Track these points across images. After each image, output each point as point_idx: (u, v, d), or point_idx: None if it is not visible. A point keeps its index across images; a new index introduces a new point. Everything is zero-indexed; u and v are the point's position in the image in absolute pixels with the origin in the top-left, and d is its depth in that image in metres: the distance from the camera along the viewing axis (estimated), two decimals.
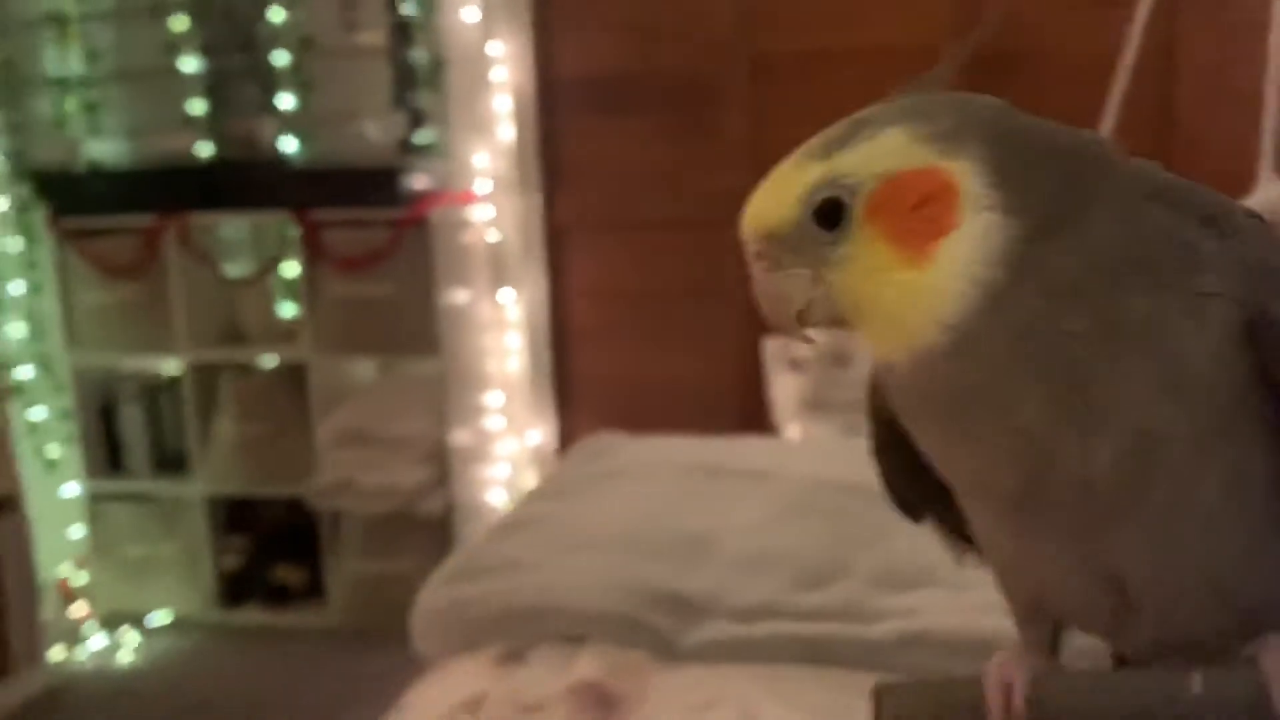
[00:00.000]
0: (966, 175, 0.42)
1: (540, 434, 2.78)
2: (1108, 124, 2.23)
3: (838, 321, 0.44)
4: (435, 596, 1.12)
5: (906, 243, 0.42)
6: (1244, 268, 0.41)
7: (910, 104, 0.45)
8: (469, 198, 2.60)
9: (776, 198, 0.44)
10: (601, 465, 1.50)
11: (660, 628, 1.06)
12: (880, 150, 0.43)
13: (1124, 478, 0.42)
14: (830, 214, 0.43)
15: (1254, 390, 0.42)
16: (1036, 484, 0.43)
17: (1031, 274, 0.41)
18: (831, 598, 1.08)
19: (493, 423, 2.68)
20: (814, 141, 0.45)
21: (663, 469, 1.43)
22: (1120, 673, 0.47)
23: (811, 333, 0.46)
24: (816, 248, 0.43)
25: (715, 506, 1.27)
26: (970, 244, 0.41)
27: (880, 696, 0.45)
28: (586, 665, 1.01)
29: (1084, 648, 0.51)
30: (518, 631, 1.06)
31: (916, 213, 0.42)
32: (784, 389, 2.47)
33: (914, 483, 0.50)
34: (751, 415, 2.68)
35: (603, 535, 1.21)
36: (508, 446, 2.72)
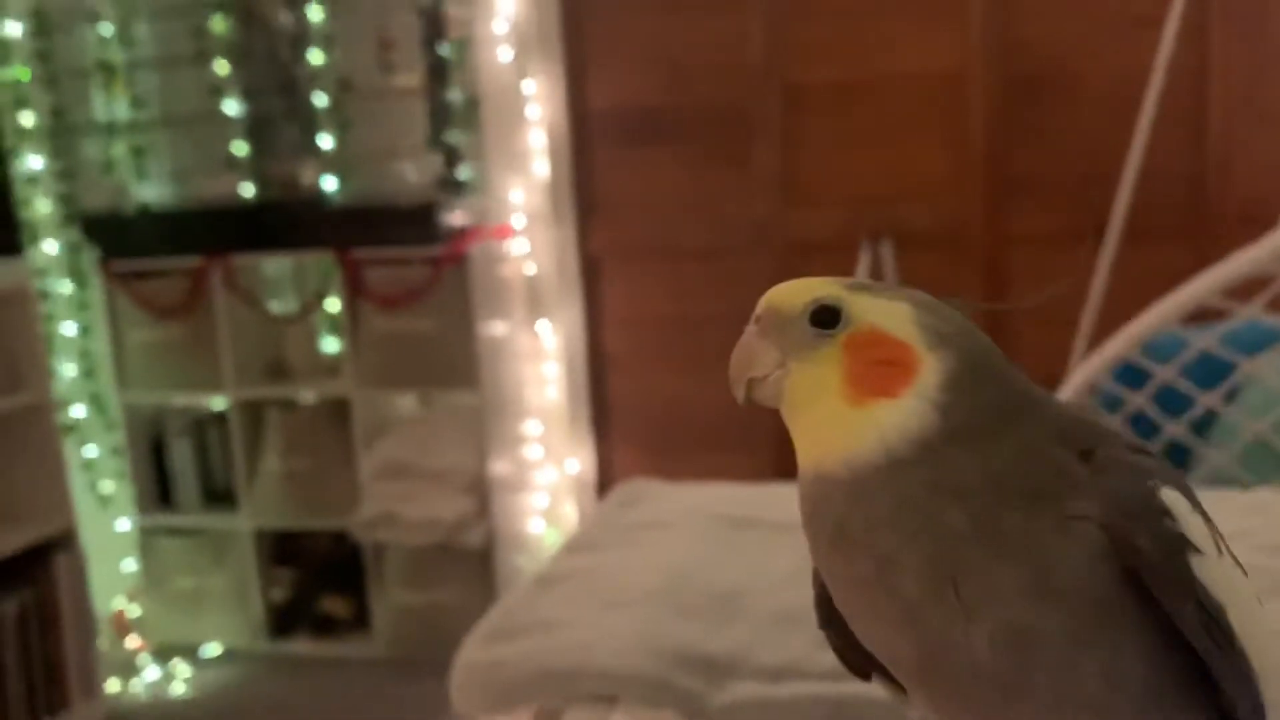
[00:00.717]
0: (929, 369, 0.49)
1: (579, 462, 2.82)
2: (1139, 145, 2.23)
3: (774, 402, 0.52)
4: (473, 655, 1.16)
5: (855, 383, 0.49)
6: (1112, 498, 0.47)
7: (928, 299, 0.53)
8: (506, 232, 2.65)
9: (796, 289, 0.52)
10: (635, 515, 1.53)
11: (689, 689, 1.09)
12: (885, 310, 0.51)
13: (1005, 665, 0.46)
14: (824, 319, 0.51)
15: (1124, 598, 0.47)
16: (932, 660, 0.47)
17: (931, 464, 0.47)
18: None
19: (532, 452, 2.72)
20: (846, 279, 0.54)
21: (693, 520, 1.45)
22: None
23: (744, 398, 0.53)
24: (797, 337, 0.51)
25: (747, 559, 1.30)
26: (899, 417, 0.48)
27: None
28: None
29: None
30: (552, 691, 1.09)
31: (877, 367, 0.49)
32: None
33: (859, 650, 0.54)
34: (786, 443, 2.69)
35: (635, 592, 1.24)
36: (547, 475, 2.76)
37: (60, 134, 2.73)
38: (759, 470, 2.59)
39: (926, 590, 0.46)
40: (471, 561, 2.66)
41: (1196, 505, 0.49)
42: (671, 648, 1.12)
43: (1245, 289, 1.78)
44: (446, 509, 2.61)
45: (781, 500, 1.63)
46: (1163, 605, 0.46)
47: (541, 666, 1.12)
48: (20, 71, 2.65)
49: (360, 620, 2.78)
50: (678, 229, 2.74)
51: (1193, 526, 0.48)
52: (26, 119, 2.66)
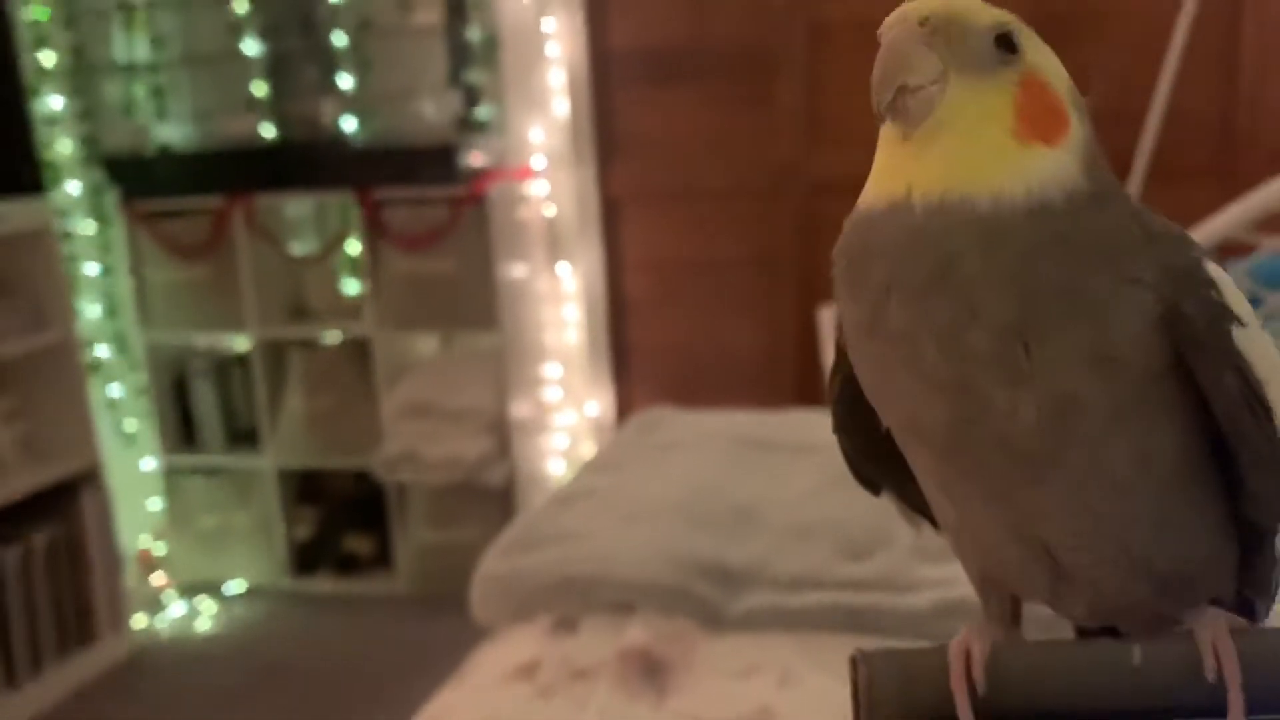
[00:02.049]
0: (1077, 129, 0.48)
1: (598, 405, 2.83)
2: (1166, 83, 2.19)
3: (918, 118, 0.47)
4: (493, 566, 1.16)
5: (1024, 120, 0.47)
6: (1164, 267, 0.46)
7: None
8: (525, 173, 2.64)
9: (979, 3, 0.49)
10: (654, 438, 1.53)
11: (706, 597, 1.09)
12: (1049, 56, 0.49)
13: (1043, 437, 0.46)
14: (1003, 46, 0.48)
15: (1166, 376, 0.46)
16: (963, 429, 0.46)
17: (1065, 218, 0.46)
18: (872, 568, 1.10)
19: (551, 394, 2.72)
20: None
21: (713, 442, 1.45)
22: (1069, 644, 0.50)
23: (886, 106, 0.48)
24: (974, 53, 0.47)
25: (763, 479, 1.30)
26: (1057, 166, 0.46)
27: (855, 663, 0.49)
28: (635, 633, 1.04)
29: (1049, 619, 0.54)
30: (571, 600, 1.10)
31: (1046, 111, 0.48)
32: None
33: (873, 459, 0.53)
34: (807, 385, 2.69)
35: (654, 507, 1.24)
36: (566, 418, 2.76)
37: (81, 74, 2.73)
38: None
39: (996, 347, 0.45)
40: (492, 501, 2.67)
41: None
42: (689, 558, 1.13)
43: (1273, 223, 1.75)
44: (467, 448, 2.63)
45: (799, 424, 1.63)
46: (1199, 376, 0.46)
47: (560, 575, 1.12)
48: (40, 11, 2.65)
49: (382, 558, 2.81)
50: (699, 170, 2.72)
51: (1235, 299, 0.47)
52: (47, 59, 2.66)
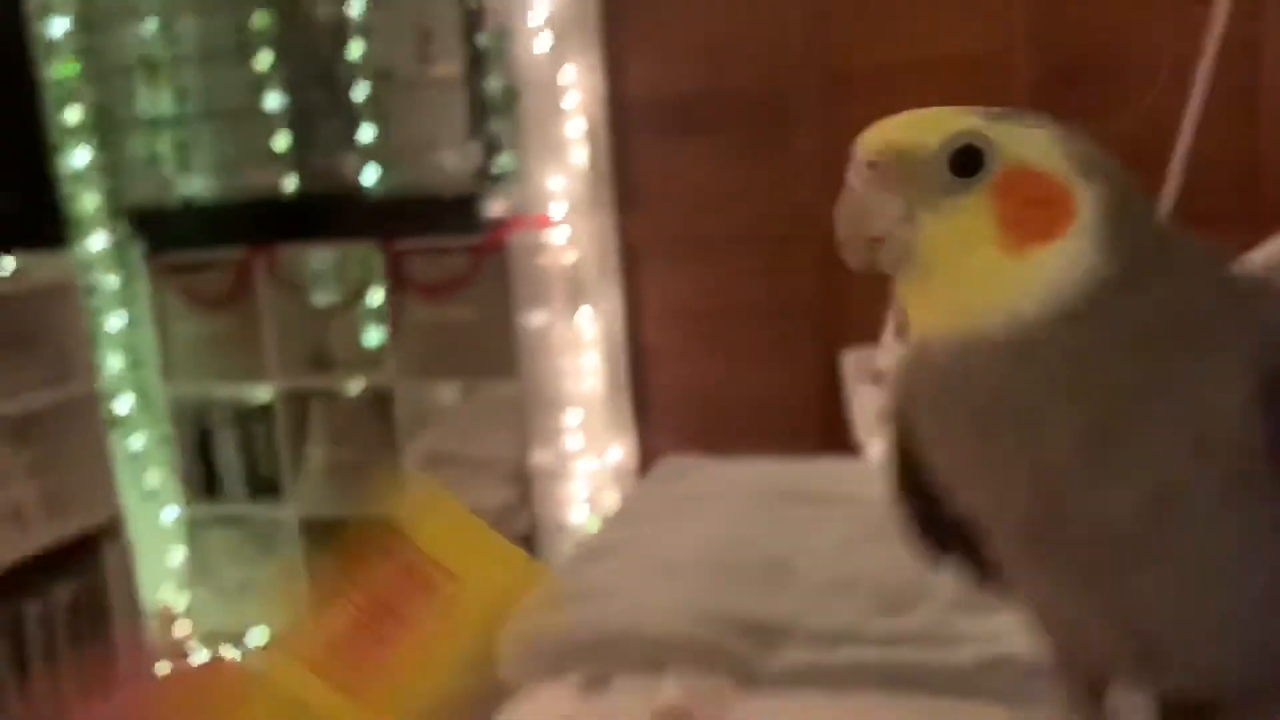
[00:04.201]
0: (1086, 201, 0.43)
1: (619, 452, 2.82)
2: (1190, 122, 2.19)
3: (899, 267, 0.44)
4: (520, 624, 1.15)
5: (1012, 229, 0.43)
6: (1262, 329, 0.43)
7: (1050, 122, 0.46)
8: (545, 222, 2.65)
9: (925, 124, 0.45)
10: (679, 488, 1.52)
11: (741, 653, 1.08)
12: (1029, 139, 0.44)
13: (1144, 525, 0.43)
14: (964, 163, 0.44)
15: (1269, 450, 0.43)
16: (1053, 518, 0.44)
17: (1105, 313, 0.42)
18: (911, 622, 1.08)
19: (572, 442, 2.72)
20: (968, 108, 0.46)
21: (740, 492, 1.44)
22: None
23: (859, 263, 0.45)
24: (932, 186, 0.44)
25: (794, 530, 1.28)
26: (1066, 261, 0.43)
27: None
28: (670, 691, 1.03)
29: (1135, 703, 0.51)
30: (601, 658, 1.09)
31: (1032, 207, 0.43)
32: (865, 403, 2.46)
33: (934, 527, 0.51)
34: (832, 430, 2.68)
35: (682, 560, 1.23)
36: (588, 465, 2.75)
37: (106, 129, 2.77)
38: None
39: (1076, 453, 0.42)
40: None
41: None
42: (722, 613, 1.11)
43: None
44: (489, 498, 2.62)
45: (828, 474, 1.61)
46: None
47: (590, 633, 1.11)
48: (66, 68, 2.69)
49: None
50: (717, 217, 2.72)
51: None
52: (73, 115, 2.70)
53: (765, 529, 1.33)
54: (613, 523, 1.45)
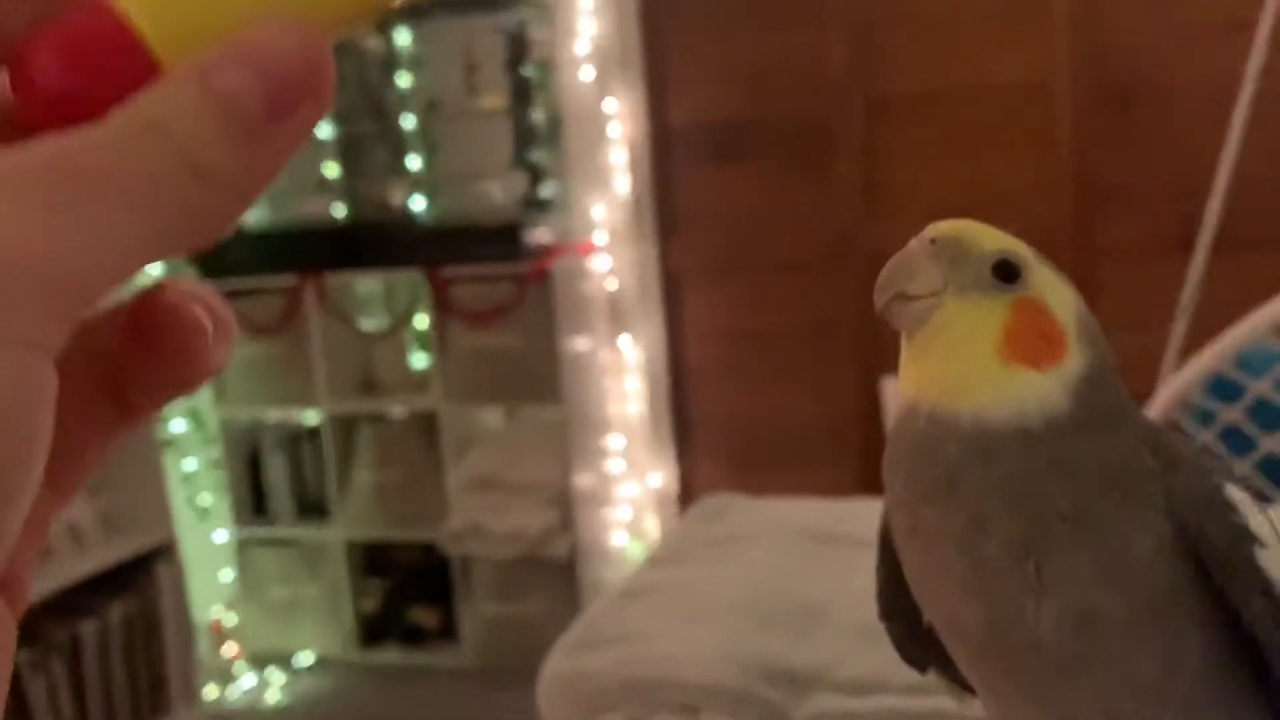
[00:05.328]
0: (1075, 356, 0.50)
1: (661, 477, 2.84)
2: (1230, 153, 2.18)
3: (912, 324, 0.50)
4: (558, 666, 1.18)
5: (1013, 343, 0.49)
6: (1184, 493, 0.48)
7: (1074, 289, 0.53)
8: (588, 249, 2.69)
9: (988, 233, 0.52)
10: (718, 529, 1.54)
11: (772, 700, 1.10)
12: (1057, 288, 0.52)
13: (1068, 645, 0.47)
14: (1005, 273, 0.50)
15: (1186, 588, 0.48)
16: (998, 630, 0.48)
17: (1057, 445, 0.47)
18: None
19: (614, 466, 2.75)
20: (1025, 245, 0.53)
21: (778, 534, 1.46)
22: None
23: (882, 307, 0.51)
24: (971, 277, 0.50)
25: (830, 575, 1.30)
26: (1042, 392, 0.48)
27: None
28: None
29: None
30: (637, 701, 1.11)
31: (1033, 336, 0.49)
32: None
33: (919, 643, 0.55)
34: (872, 455, 2.68)
35: (718, 605, 1.25)
36: (629, 489, 2.78)
37: None
38: (843, 485, 2.58)
39: (1006, 558, 0.47)
40: (556, 573, 2.69)
41: (1259, 503, 0.50)
42: (754, 660, 1.14)
43: None
44: (532, 521, 2.65)
45: (865, 516, 1.63)
46: (1228, 596, 0.48)
47: (627, 677, 1.14)
48: None
49: (448, 630, 2.83)
50: (759, 243, 2.75)
51: (1256, 520, 0.49)
52: None
53: (801, 573, 1.35)
54: (649, 564, 1.47)
